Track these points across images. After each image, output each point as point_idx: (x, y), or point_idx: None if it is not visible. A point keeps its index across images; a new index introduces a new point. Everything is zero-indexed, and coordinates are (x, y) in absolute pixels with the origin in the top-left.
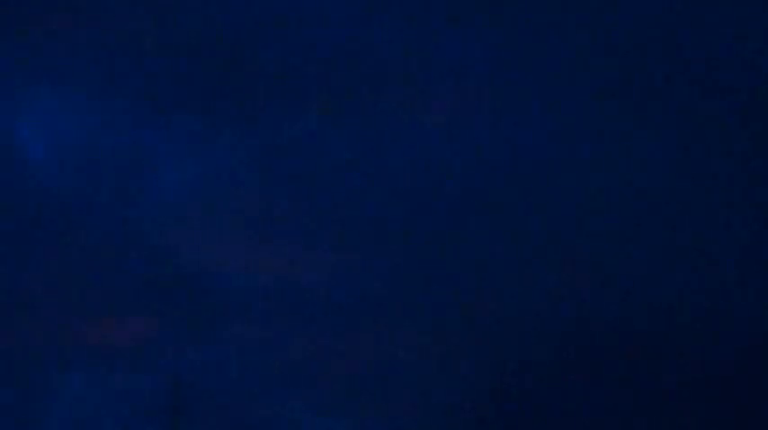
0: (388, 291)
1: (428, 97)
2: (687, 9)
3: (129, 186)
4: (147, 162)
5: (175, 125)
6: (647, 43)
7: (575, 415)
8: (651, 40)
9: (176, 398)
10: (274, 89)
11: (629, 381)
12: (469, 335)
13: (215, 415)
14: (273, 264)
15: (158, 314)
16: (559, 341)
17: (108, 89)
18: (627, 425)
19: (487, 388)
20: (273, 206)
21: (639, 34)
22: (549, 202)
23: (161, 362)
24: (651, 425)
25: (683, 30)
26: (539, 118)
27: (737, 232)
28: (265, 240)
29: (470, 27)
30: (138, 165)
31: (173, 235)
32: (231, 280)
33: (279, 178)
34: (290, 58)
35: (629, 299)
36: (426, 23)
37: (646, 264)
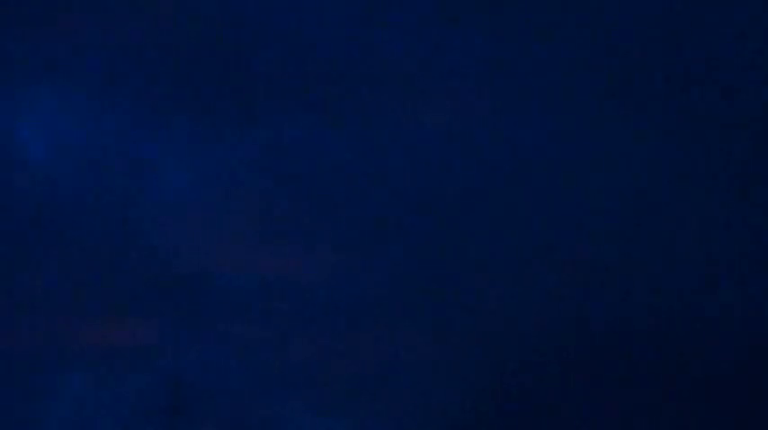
0: (388, 291)
1: (428, 97)
2: (687, 9)
3: (129, 186)
4: (147, 162)
5: (175, 125)
6: (648, 43)
7: (575, 415)
8: (651, 40)
9: (176, 398)
10: (274, 89)
11: (630, 381)
12: (470, 335)
13: (215, 415)
14: (273, 264)
15: (158, 314)
16: (560, 341)
17: (108, 89)
18: (627, 425)
19: (488, 388)
20: (273, 206)
21: (639, 34)
22: (550, 202)
23: (161, 362)
24: (651, 425)
25: (683, 30)
26: (539, 118)
27: (737, 232)
28: (265, 240)
29: (470, 27)
30: (139, 165)
31: (172, 235)
32: (231, 280)
33: (279, 178)
34: (290, 58)
35: (629, 299)
36: (426, 24)
37: (646, 264)
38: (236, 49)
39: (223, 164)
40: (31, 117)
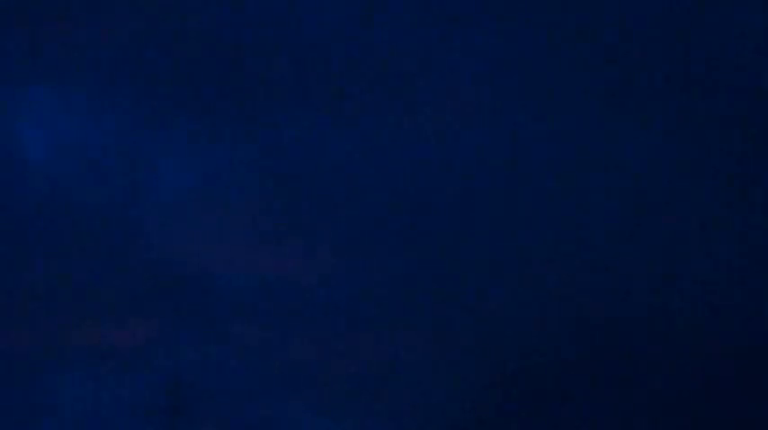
0: (388, 291)
1: (428, 97)
2: (688, 9)
3: (129, 186)
4: (148, 162)
5: (175, 125)
6: (648, 44)
7: (575, 414)
8: (652, 41)
9: (176, 398)
10: (274, 89)
11: (630, 381)
12: (470, 335)
13: (215, 415)
14: (273, 264)
15: (158, 314)
16: (560, 341)
17: (108, 89)
18: (627, 425)
19: (488, 388)
20: (273, 206)
21: (639, 34)
22: (550, 202)
23: (161, 362)
24: (651, 425)
25: (683, 30)
26: (538, 118)
27: (737, 232)
28: (265, 240)
29: (470, 27)
30: (139, 165)
31: (173, 235)
32: (231, 280)
33: (279, 178)
34: (290, 58)
35: (629, 299)
36: (426, 24)
37: (646, 264)
38: (235, 49)
39: (223, 164)
40: (31, 117)
